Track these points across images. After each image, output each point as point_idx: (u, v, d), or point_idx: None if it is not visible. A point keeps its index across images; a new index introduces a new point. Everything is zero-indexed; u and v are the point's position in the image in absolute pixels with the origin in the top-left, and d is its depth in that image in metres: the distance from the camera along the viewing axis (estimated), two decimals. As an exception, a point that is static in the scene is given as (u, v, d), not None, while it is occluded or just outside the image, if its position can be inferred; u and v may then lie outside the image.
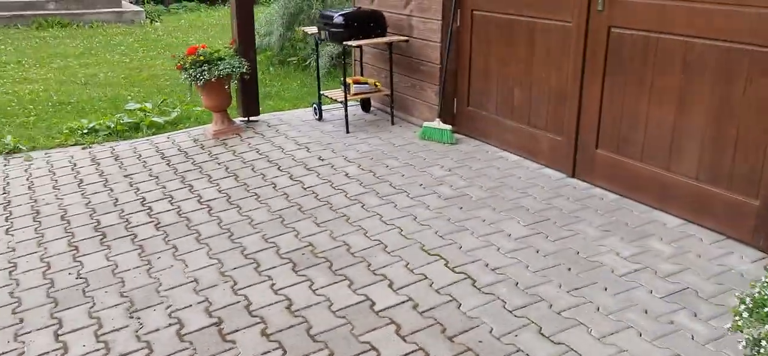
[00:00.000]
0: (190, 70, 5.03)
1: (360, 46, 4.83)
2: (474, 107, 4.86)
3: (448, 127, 4.84)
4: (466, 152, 4.64)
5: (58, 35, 10.68)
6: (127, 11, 12.05)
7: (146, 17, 12.24)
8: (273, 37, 8.57)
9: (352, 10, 5.19)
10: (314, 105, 5.63)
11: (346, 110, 5.20)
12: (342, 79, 5.40)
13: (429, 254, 3.20)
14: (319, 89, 5.59)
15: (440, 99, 4.98)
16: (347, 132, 5.20)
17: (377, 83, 5.37)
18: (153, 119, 5.94)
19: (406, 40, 5.05)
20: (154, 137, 5.45)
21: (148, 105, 6.49)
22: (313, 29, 5.45)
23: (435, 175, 4.22)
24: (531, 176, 4.15)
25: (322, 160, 4.59)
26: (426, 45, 5.03)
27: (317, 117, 5.59)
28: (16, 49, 9.56)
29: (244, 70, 5.15)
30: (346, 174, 4.30)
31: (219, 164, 4.63)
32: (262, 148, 4.91)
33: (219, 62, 5.08)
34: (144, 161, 4.77)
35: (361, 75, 5.82)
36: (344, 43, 4.98)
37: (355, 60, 6.09)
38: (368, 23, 5.11)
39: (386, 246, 3.30)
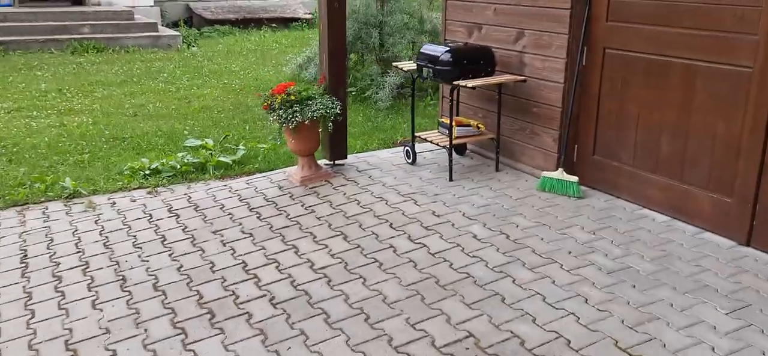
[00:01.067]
0: (280, 111, 4.50)
1: (470, 87, 4.30)
2: (601, 156, 4.30)
3: (574, 178, 4.28)
4: (601, 208, 4.08)
5: (94, 61, 10.19)
6: (164, 35, 11.57)
7: (183, 42, 11.77)
8: (313, 66, 8.07)
9: (459, 45, 4.66)
10: (406, 147, 5.07)
11: (450, 156, 4.65)
12: (441, 120, 4.85)
13: (628, 354, 2.62)
14: (412, 131, 5.04)
15: (563, 146, 4.42)
16: (451, 180, 4.64)
17: (480, 125, 4.83)
18: (219, 158, 5.40)
19: (524, 81, 4.51)
20: (229, 181, 4.90)
21: (209, 141, 5.96)
22: (411, 65, 4.91)
23: (579, 239, 3.65)
24: (694, 243, 3.58)
25: (437, 216, 4.03)
26: (543, 85, 4.49)
27: (410, 161, 5.04)
28: (54, 76, 9.07)
29: (338, 112, 4.61)
30: (474, 236, 3.73)
31: (318, 218, 4.07)
32: (361, 199, 4.35)
33: (310, 102, 4.54)
34: (230, 213, 4.21)
35: (457, 115, 5.27)
36: (454, 83, 4.44)
37: (443, 97, 5.55)
38: (478, 61, 4.57)
39: (569, 341, 2.72)
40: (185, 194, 4.61)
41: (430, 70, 4.56)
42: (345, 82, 4.90)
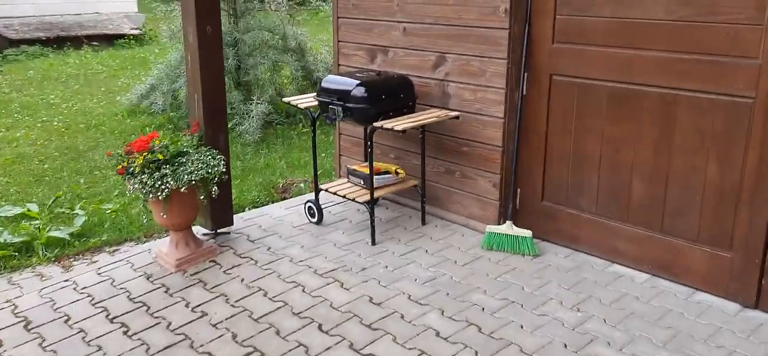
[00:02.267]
0: (143, 177, 3.29)
1: (398, 130, 3.41)
2: (553, 202, 3.62)
3: (527, 233, 3.54)
4: (567, 269, 3.38)
5: None
6: (-47, 62, 9.39)
7: (-21, 69, 9.66)
8: (159, 96, 6.77)
9: (372, 76, 3.74)
10: (308, 204, 4.06)
11: (372, 216, 3.71)
12: (352, 168, 3.91)
13: None
14: (316, 183, 4.04)
15: (509, 194, 3.68)
16: (374, 244, 3.72)
17: (399, 170, 3.95)
18: (50, 232, 4.04)
19: (457, 117, 3.69)
20: (68, 271, 3.57)
21: (33, 207, 4.54)
22: (310, 101, 3.91)
23: (568, 322, 2.90)
24: (697, 311, 2.97)
25: (377, 304, 3.09)
26: (476, 120, 3.72)
27: (315, 220, 4.03)
28: None
29: (222, 169, 3.50)
30: (437, 333, 2.84)
31: (214, 326, 2.96)
32: (267, 286, 3.29)
33: (184, 160, 3.39)
34: (81, 330, 2.96)
35: (364, 159, 4.35)
36: (374, 125, 3.52)
37: (340, 134, 4.61)
38: (397, 94, 3.69)
39: None
40: (7, 302, 3.24)
41: (338, 108, 3.60)
42: (225, 128, 3.78)
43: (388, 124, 3.44)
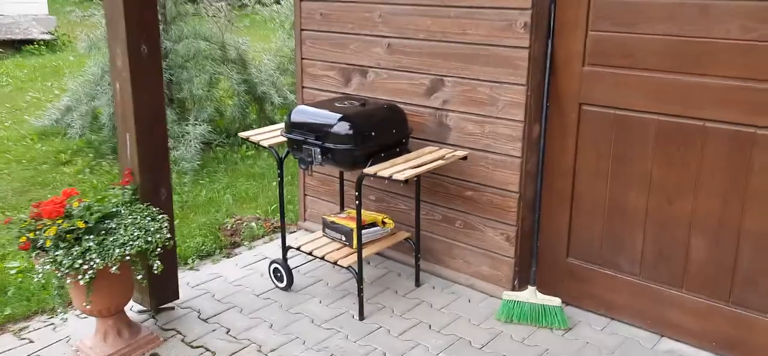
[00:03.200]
0: (59, 254, 2.41)
1: (401, 181, 2.65)
2: (581, 260, 2.96)
3: (556, 301, 2.87)
4: (609, 348, 2.72)
5: None
6: None
7: None
8: (77, 118, 5.75)
9: (356, 108, 2.95)
10: (274, 266, 3.25)
11: (360, 284, 2.94)
12: (330, 219, 3.13)
13: None
14: (284, 240, 3.23)
15: (532, 249, 3.00)
16: (361, 318, 2.96)
17: (386, 220, 3.20)
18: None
19: (465, 157, 2.96)
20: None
21: None
22: (275, 137, 3.11)
23: None
24: (787, 405, 2.37)
25: (383, 416, 2.33)
26: (484, 159, 3.02)
27: (283, 285, 3.23)
28: None
29: (166, 236, 2.66)
30: None
31: None
32: (233, 394, 2.48)
33: (113, 226, 2.53)
34: None
35: (342, 209, 3.56)
36: (366, 171, 2.75)
37: (302, 173, 3.81)
38: (390, 129, 2.94)
39: None
40: None
41: (317, 149, 2.82)
42: (168, 177, 2.93)
43: (384, 171, 2.68)
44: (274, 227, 4.30)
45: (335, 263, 2.98)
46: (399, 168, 2.71)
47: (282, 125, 3.28)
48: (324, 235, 3.21)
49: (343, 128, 2.77)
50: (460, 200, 3.15)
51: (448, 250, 3.27)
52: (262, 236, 4.19)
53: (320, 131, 2.81)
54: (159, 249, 2.59)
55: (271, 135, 3.17)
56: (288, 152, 3.05)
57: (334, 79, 3.50)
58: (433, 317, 2.97)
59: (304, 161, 2.86)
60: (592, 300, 2.95)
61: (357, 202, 2.82)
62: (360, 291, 2.93)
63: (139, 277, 2.56)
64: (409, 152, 3.01)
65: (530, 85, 2.82)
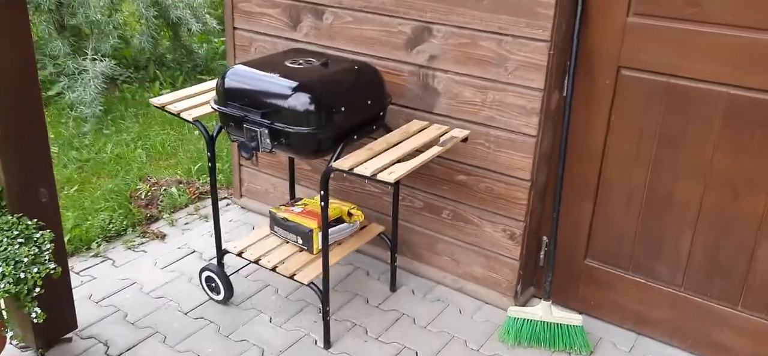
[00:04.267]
0: None
1: (389, 182, 1.89)
2: (602, 263, 2.34)
3: (577, 319, 2.25)
4: (648, 382, 2.15)
5: None
6: None
7: None
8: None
9: (313, 66, 2.13)
10: (207, 273, 2.46)
11: (325, 305, 2.21)
12: (279, 214, 2.35)
13: None
14: (219, 244, 2.43)
15: (550, 255, 2.36)
16: (327, 345, 2.25)
17: (353, 211, 2.46)
18: None
19: (465, 139, 2.22)
20: None
21: None
22: (201, 108, 2.26)
23: None
24: None
25: None
26: (485, 136, 2.30)
27: (220, 297, 2.46)
28: None
29: (49, 266, 1.83)
30: None
31: None
32: None
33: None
34: None
35: (291, 190, 2.77)
36: (336, 166, 1.97)
37: (236, 142, 2.98)
38: (364, 100, 2.16)
39: None
40: None
41: (263, 130, 2.01)
42: (50, 169, 2.05)
43: (363, 166, 1.92)
44: (200, 194, 3.50)
45: (292, 277, 2.23)
46: (384, 161, 1.95)
47: (209, 86, 2.43)
48: (272, 233, 2.44)
49: (301, 101, 1.97)
50: (448, 186, 2.44)
51: (431, 245, 2.58)
52: (186, 206, 3.39)
53: (268, 106, 2.00)
54: (38, 289, 1.77)
55: (196, 101, 2.32)
56: (221, 129, 2.22)
57: (277, 20, 2.64)
58: (419, 339, 2.30)
59: (245, 147, 2.04)
60: (615, 312, 2.36)
61: (322, 204, 2.05)
62: (326, 314, 2.21)
63: (10, 334, 1.74)
64: (388, 128, 2.25)
65: (554, 40, 2.09)
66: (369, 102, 2.14)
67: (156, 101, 2.32)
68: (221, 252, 2.41)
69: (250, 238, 2.42)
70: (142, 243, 3.01)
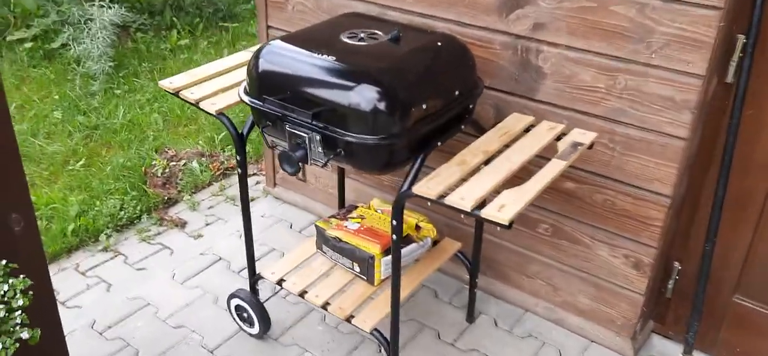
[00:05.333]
0: None
1: (505, 224, 1.31)
2: (758, 303, 1.76)
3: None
4: None
5: None
6: None
7: None
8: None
9: (384, 42, 1.53)
10: (236, 301, 1.93)
11: (393, 351, 1.68)
12: (340, 240, 1.79)
13: None
14: (251, 264, 1.89)
15: (699, 291, 1.78)
16: (394, 411, 1.73)
17: (424, 224, 1.89)
18: None
19: (591, 146, 1.61)
20: None
21: None
22: (229, 93, 1.68)
23: None
24: None
25: None
26: (610, 135, 1.69)
27: (255, 332, 1.93)
28: None
29: (23, 334, 1.30)
30: None
31: None
32: None
33: None
34: None
35: (340, 197, 2.19)
36: (418, 192, 1.39)
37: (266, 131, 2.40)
38: (450, 90, 1.55)
39: None
40: None
41: (314, 135, 1.43)
42: (24, 189, 1.50)
43: (459, 197, 1.33)
44: (225, 170, 2.98)
45: (349, 319, 1.69)
46: (485, 183, 1.37)
47: (237, 61, 1.86)
48: (319, 252, 1.89)
49: (368, 97, 1.38)
50: (550, 193, 1.85)
51: (521, 265, 2.01)
52: (209, 184, 2.89)
53: (321, 102, 1.42)
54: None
55: (220, 83, 1.75)
56: (254, 124, 1.64)
57: (321, -30, 2.03)
58: (514, 402, 1.77)
59: (289, 159, 1.46)
60: (770, 367, 1.79)
61: (394, 238, 1.49)
62: (394, 369, 1.68)
63: None
64: (478, 126, 1.66)
65: (728, 5, 1.45)
66: (457, 93, 1.54)
67: (167, 83, 1.75)
68: (255, 277, 1.87)
69: (291, 259, 1.88)
70: (159, 234, 2.52)
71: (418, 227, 1.88)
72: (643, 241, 1.75)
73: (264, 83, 1.49)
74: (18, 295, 1.33)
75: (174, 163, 3.04)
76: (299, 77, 1.45)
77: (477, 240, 1.88)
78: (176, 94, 1.72)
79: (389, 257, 1.73)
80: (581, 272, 1.90)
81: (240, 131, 1.67)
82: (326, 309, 1.71)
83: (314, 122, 1.42)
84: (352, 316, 1.68)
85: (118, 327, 2.00)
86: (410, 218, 1.88)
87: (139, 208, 2.66)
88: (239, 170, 1.71)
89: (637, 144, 1.66)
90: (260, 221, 2.51)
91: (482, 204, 1.31)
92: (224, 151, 3.13)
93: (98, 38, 3.77)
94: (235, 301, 1.92)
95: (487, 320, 2.03)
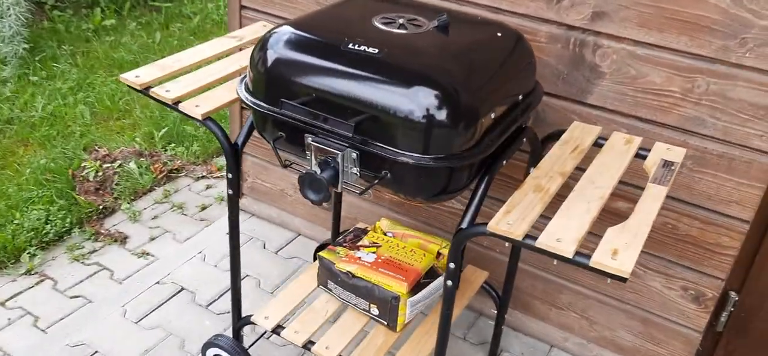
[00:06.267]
0: None
1: (624, 275, 1.01)
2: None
3: None
4: None
5: None
6: None
7: None
8: None
9: (432, 31, 1.18)
10: (215, 349, 1.54)
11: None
12: (351, 274, 1.44)
13: None
14: (237, 306, 1.50)
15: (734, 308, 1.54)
16: None
17: (443, 250, 1.57)
18: None
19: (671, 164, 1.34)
20: None
21: None
22: (222, 92, 1.28)
23: None
24: None
25: None
26: (694, 152, 1.43)
27: (236, 393, 1.55)
28: None
29: None
30: None
31: None
32: None
33: None
34: None
35: (336, 213, 1.82)
36: (493, 228, 1.06)
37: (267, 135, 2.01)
38: (514, 92, 1.23)
39: None
40: None
41: (351, 153, 1.08)
42: None
43: (552, 238, 1.02)
44: (169, 172, 2.56)
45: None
46: (576, 216, 1.06)
47: (228, 45, 1.46)
48: (323, 289, 1.52)
49: (424, 104, 1.03)
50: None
51: (550, 294, 1.72)
52: (151, 190, 2.47)
53: (358, 106, 1.06)
54: None
55: (206, 76, 1.35)
56: (251, 129, 1.26)
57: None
58: None
59: (315, 184, 1.09)
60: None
61: (449, 283, 1.15)
62: None
63: None
64: (535, 137, 1.34)
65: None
66: (520, 98, 1.22)
67: (132, 77, 1.32)
68: (241, 321, 1.48)
69: (288, 297, 1.50)
70: (95, 251, 2.10)
71: (439, 254, 1.55)
72: (706, 271, 1.50)
73: (281, 83, 1.12)
74: None
75: (107, 164, 2.58)
76: (333, 76, 1.08)
77: (510, 271, 1.57)
78: (144, 91, 1.31)
79: (417, 296, 1.40)
80: (625, 304, 1.64)
81: (233, 142, 1.28)
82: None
83: (354, 137, 1.06)
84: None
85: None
86: (432, 243, 1.55)
87: (68, 220, 2.22)
88: (230, 191, 1.32)
89: (713, 160, 1.40)
90: (223, 239, 2.11)
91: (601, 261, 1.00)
92: (166, 150, 2.70)
93: (10, 16, 3.21)
94: (213, 352, 1.52)
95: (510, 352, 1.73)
